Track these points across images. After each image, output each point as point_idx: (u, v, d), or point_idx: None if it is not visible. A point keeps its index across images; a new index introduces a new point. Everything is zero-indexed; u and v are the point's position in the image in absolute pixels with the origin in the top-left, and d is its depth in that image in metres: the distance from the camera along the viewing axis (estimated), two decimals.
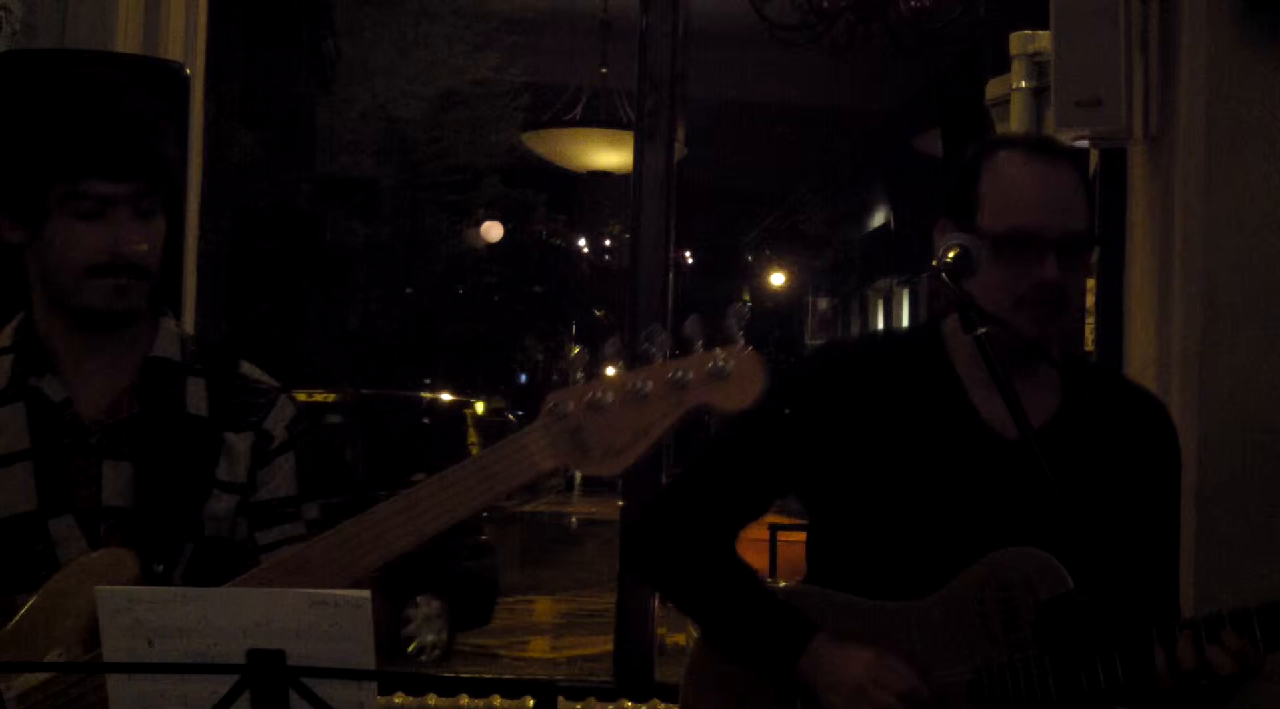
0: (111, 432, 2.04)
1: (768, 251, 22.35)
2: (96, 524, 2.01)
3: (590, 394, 1.66)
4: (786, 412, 2.30)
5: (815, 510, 2.28)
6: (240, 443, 2.09)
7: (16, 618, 1.91)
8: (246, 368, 2.16)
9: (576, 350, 1.73)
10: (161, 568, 1.97)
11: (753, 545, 3.32)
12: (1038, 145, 2.20)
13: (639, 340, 1.67)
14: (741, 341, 1.65)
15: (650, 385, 1.64)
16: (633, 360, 1.67)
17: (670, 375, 1.64)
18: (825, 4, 5.47)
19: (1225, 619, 1.96)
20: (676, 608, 2.35)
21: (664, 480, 4.27)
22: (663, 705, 4.06)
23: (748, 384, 1.65)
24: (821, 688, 2.09)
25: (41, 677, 1.84)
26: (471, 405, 14.12)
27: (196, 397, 2.09)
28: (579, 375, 1.67)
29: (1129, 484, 2.18)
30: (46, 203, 1.98)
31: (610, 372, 1.68)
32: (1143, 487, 2.20)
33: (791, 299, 22.24)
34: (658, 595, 4.31)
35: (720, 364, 1.64)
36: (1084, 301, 2.25)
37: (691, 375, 1.64)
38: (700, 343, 1.66)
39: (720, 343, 1.66)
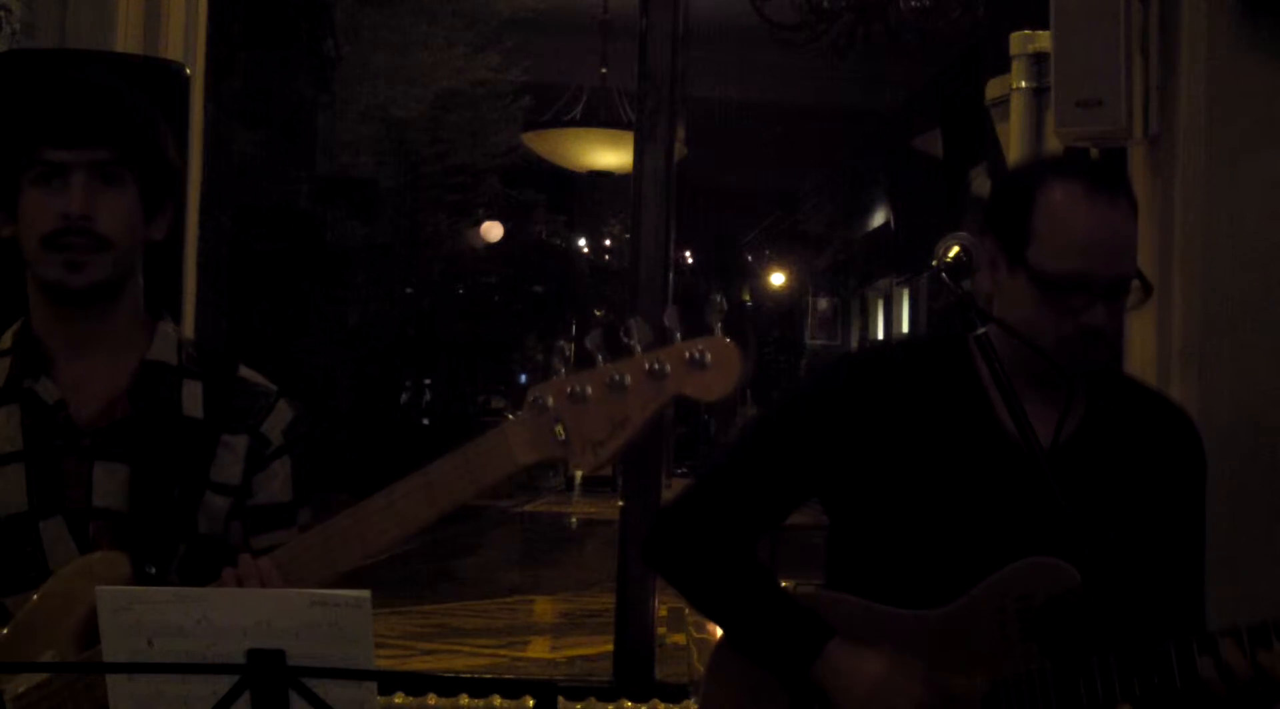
0: (104, 434, 2.04)
1: (768, 251, 22.35)
2: (85, 526, 2.01)
3: (570, 386, 1.67)
4: (781, 410, 2.30)
5: (837, 516, 2.28)
6: (236, 444, 2.09)
7: (12, 623, 1.91)
8: (245, 372, 2.15)
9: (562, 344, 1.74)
10: (154, 570, 1.97)
11: None
12: (1096, 180, 2.10)
13: (619, 333, 1.69)
14: (719, 332, 1.66)
15: (629, 377, 1.66)
16: (613, 353, 1.68)
17: (649, 366, 1.66)
18: (825, 4, 5.48)
19: (1271, 629, 1.96)
20: (695, 609, 2.35)
21: (664, 482, 4.28)
22: (663, 705, 4.06)
23: (725, 373, 1.66)
24: (835, 693, 2.09)
25: (37, 679, 1.84)
26: None
27: (192, 399, 2.09)
28: (560, 368, 1.68)
29: (1154, 496, 2.16)
30: (19, 181, 1.99)
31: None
32: (1168, 498, 2.18)
33: (791, 299, 22.24)
34: (655, 595, 4.31)
35: (698, 354, 1.65)
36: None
37: (670, 366, 1.66)
38: (679, 334, 1.67)
39: (699, 334, 1.67)
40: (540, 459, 1.71)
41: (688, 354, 1.65)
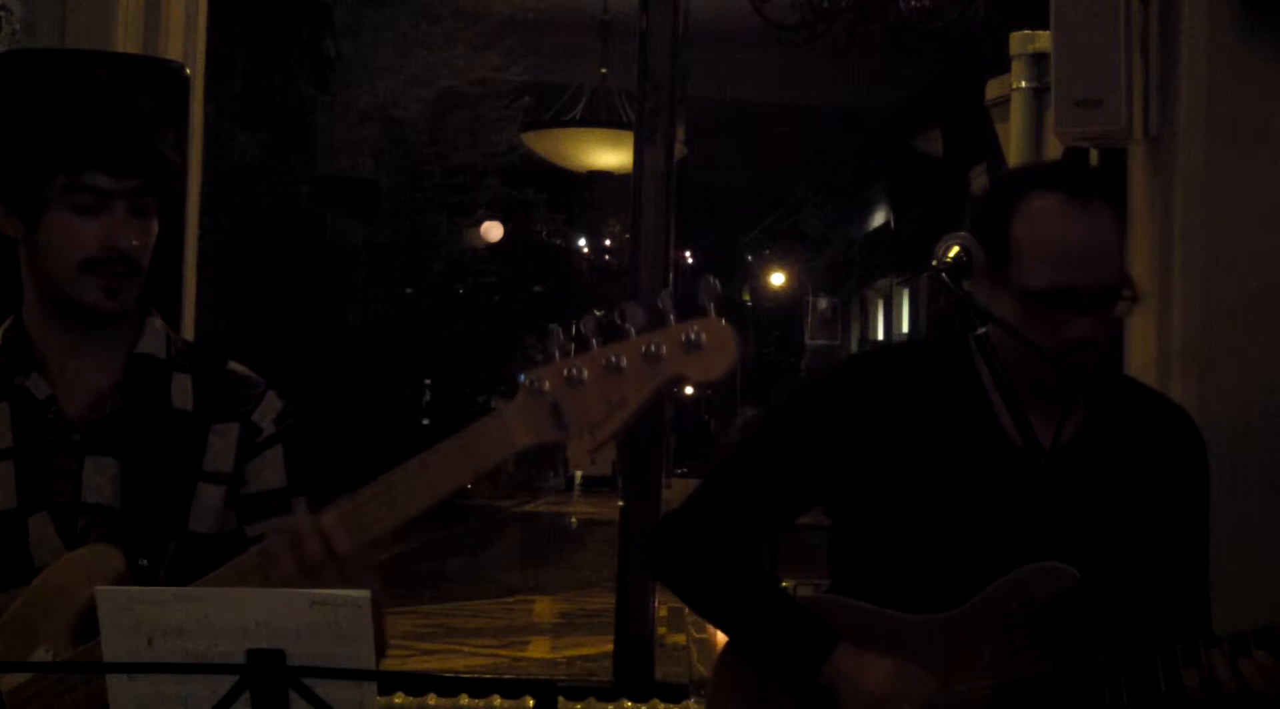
0: (95, 428, 2.05)
1: (768, 251, 22.35)
2: (73, 521, 2.01)
3: (566, 370, 1.67)
4: (785, 416, 2.30)
5: (840, 520, 2.28)
6: (227, 432, 2.09)
7: (5, 617, 1.91)
8: (234, 365, 2.17)
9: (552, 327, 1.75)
10: (146, 563, 1.97)
11: None
12: (1075, 188, 2.08)
13: (614, 316, 1.69)
14: (714, 313, 1.66)
15: (625, 359, 1.66)
16: (608, 336, 1.68)
17: (645, 348, 1.66)
18: (825, 4, 5.48)
19: (1250, 639, 1.96)
20: (700, 615, 2.34)
21: (664, 481, 4.27)
22: (663, 705, 4.06)
23: (720, 354, 1.66)
24: (843, 696, 2.09)
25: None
26: None
27: (182, 392, 2.10)
28: (556, 352, 1.68)
29: (1157, 497, 2.16)
30: (46, 195, 1.99)
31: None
32: (1171, 499, 2.18)
33: (791, 299, 22.23)
34: (655, 595, 4.31)
35: (693, 336, 1.66)
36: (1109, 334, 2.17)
37: (665, 348, 1.66)
38: (673, 316, 1.67)
39: (693, 315, 1.67)
40: (538, 441, 1.71)
41: (683, 335, 1.66)
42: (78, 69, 3.09)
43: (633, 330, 1.68)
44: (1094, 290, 2.05)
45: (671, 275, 4.44)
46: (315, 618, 1.53)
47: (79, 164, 1.98)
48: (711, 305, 1.67)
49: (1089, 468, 2.13)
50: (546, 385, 1.68)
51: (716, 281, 1.69)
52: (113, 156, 1.99)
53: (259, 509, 2.10)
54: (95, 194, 1.98)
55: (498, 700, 3.93)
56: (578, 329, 1.69)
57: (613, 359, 1.66)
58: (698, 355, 1.66)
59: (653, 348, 1.66)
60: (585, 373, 1.67)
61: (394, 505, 1.75)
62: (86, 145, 1.98)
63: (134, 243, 2.00)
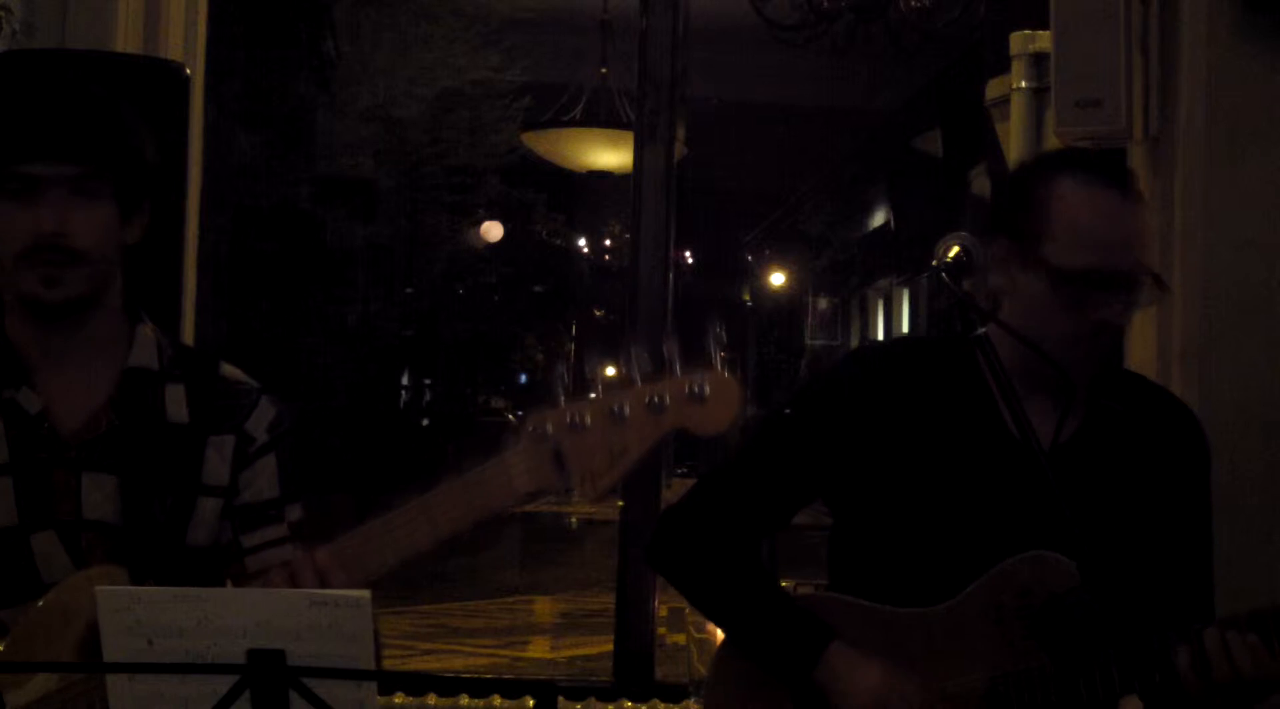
0: (91, 446, 2.02)
1: (768, 251, 22.35)
2: (78, 538, 1.99)
3: (569, 416, 1.68)
4: (787, 412, 2.30)
5: (840, 515, 2.28)
6: (222, 445, 2.07)
7: (10, 636, 1.90)
8: (227, 369, 2.14)
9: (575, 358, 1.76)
10: (153, 583, 1.95)
11: None
12: (1107, 174, 2.12)
13: (620, 361, 1.70)
14: (719, 365, 1.67)
15: (628, 408, 1.67)
16: (612, 383, 1.69)
17: (648, 398, 1.67)
18: (825, 4, 5.49)
19: (1243, 620, 1.97)
20: (698, 611, 2.35)
21: (664, 482, 4.28)
22: (663, 705, 4.06)
23: (724, 407, 1.67)
24: (835, 696, 2.10)
25: (40, 692, 1.84)
26: None
27: (176, 404, 2.07)
28: (560, 397, 1.69)
29: (1158, 492, 2.17)
30: None
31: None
32: (1172, 494, 2.19)
33: (791, 299, 22.23)
34: (655, 595, 4.31)
35: (697, 389, 1.66)
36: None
37: (669, 399, 1.67)
38: (678, 365, 1.68)
39: (699, 365, 1.68)
40: (539, 487, 1.72)
41: (687, 388, 1.67)
42: (60, 68, 3.09)
43: (637, 378, 1.68)
44: (1128, 274, 2.07)
45: (671, 275, 4.45)
46: (315, 618, 1.53)
47: (12, 155, 1.94)
48: (717, 356, 1.68)
49: (1089, 464, 2.13)
50: (549, 429, 1.68)
51: (723, 331, 1.70)
52: (38, 143, 1.94)
53: (253, 519, 2.08)
54: (26, 182, 1.94)
55: (498, 700, 3.93)
56: (581, 372, 1.70)
57: (616, 408, 1.67)
58: (700, 407, 1.67)
59: (656, 398, 1.67)
60: (588, 419, 1.67)
61: (393, 546, 1.77)
62: (16, 135, 1.95)
63: (71, 230, 1.94)
